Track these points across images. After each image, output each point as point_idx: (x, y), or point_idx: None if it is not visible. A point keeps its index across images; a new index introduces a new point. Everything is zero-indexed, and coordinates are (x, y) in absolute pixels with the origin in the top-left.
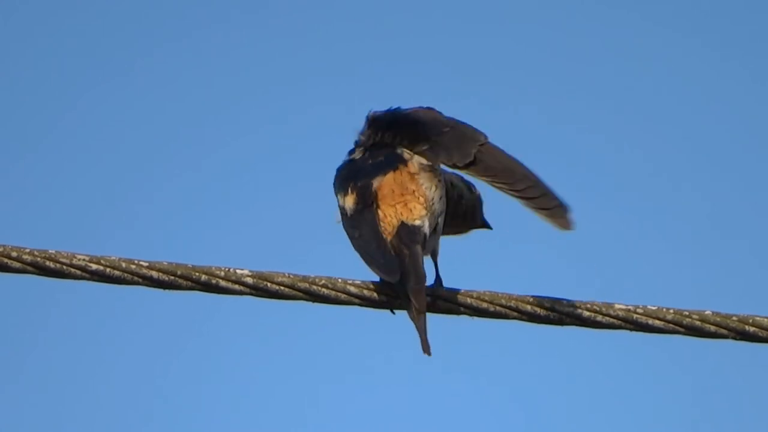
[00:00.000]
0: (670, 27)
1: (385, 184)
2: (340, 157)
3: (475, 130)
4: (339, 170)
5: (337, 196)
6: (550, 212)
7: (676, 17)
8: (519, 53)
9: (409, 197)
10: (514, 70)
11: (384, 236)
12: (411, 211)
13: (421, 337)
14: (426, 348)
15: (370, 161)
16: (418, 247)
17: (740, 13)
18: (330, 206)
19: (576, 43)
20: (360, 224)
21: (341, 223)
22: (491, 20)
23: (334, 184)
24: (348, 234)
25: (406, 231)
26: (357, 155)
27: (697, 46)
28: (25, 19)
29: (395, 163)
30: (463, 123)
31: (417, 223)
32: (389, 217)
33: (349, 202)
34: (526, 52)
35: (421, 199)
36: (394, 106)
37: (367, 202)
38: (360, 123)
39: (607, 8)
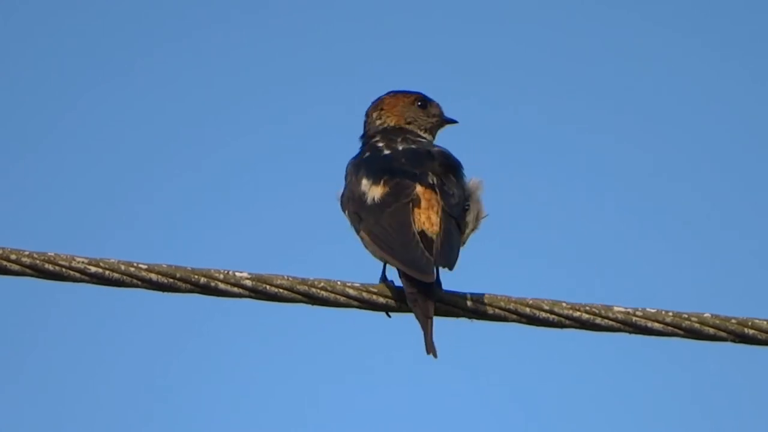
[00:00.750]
0: (670, 27)
1: (418, 192)
2: (340, 158)
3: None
4: (368, 158)
5: (358, 180)
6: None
7: (676, 17)
8: (519, 53)
9: (432, 213)
10: (514, 70)
11: (417, 237)
12: (433, 225)
13: (426, 339)
14: (431, 349)
15: (408, 166)
16: (431, 256)
17: (740, 13)
18: (332, 205)
19: (576, 43)
20: (380, 215)
21: (343, 203)
22: (491, 20)
23: (354, 169)
24: (358, 218)
25: (425, 239)
26: (388, 151)
27: (697, 46)
28: (25, 19)
29: (429, 181)
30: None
31: (434, 237)
32: (416, 223)
33: (377, 192)
34: (526, 52)
35: (442, 216)
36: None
37: (402, 198)
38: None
39: (607, 8)
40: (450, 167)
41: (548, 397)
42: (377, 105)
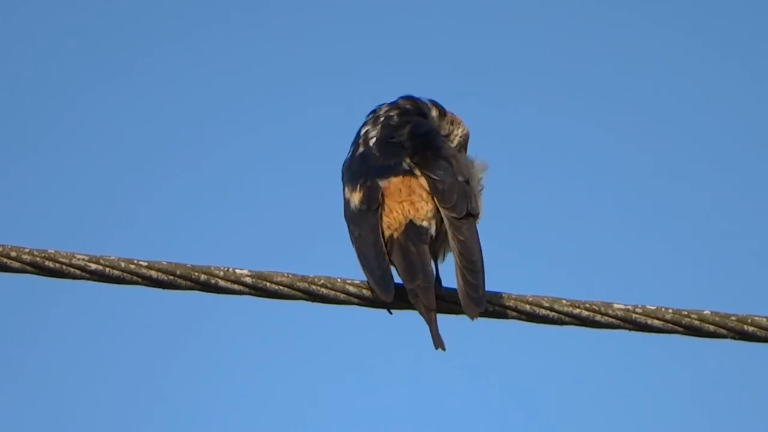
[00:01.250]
0: (670, 27)
1: (393, 184)
2: (340, 158)
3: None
4: (349, 161)
5: (344, 188)
6: (468, 299)
7: (676, 17)
8: (519, 53)
9: (416, 198)
10: (514, 70)
11: (384, 248)
12: (418, 210)
13: (432, 333)
14: (438, 343)
15: (382, 160)
16: (426, 247)
17: (740, 13)
18: (332, 204)
19: (576, 43)
20: (362, 224)
21: (344, 215)
22: (491, 20)
23: (342, 175)
24: (349, 229)
25: (414, 230)
26: (367, 146)
27: (697, 46)
28: (25, 19)
29: (405, 168)
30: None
31: (424, 224)
32: (396, 213)
33: (356, 199)
34: (526, 52)
35: (430, 204)
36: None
37: (372, 205)
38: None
39: (607, 8)
40: (421, 140)
41: (548, 394)
42: None
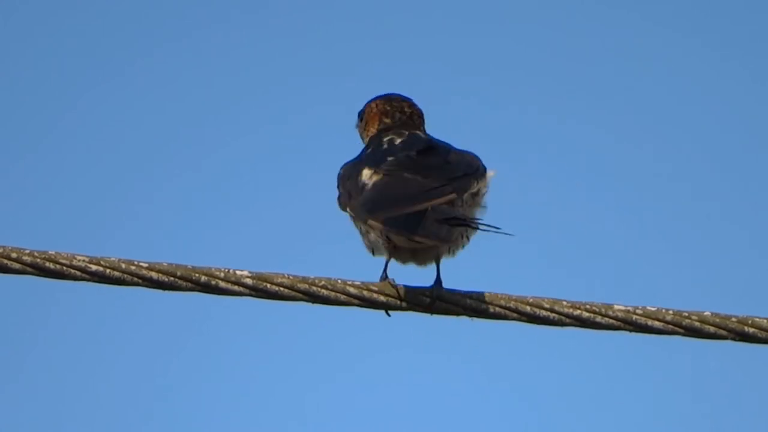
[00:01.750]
0: (670, 27)
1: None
2: (340, 158)
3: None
4: (370, 154)
5: (357, 171)
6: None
7: (676, 17)
8: (519, 53)
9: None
10: (514, 70)
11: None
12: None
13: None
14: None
15: (407, 151)
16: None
17: (740, 13)
18: (332, 204)
19: (576, 43)
20: (382, 188)
21: (342, 202)
22: (491, 20)
23: (354, 164)
24: (354, 205)
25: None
26: (392, 145)
27: (697, 46)
28: (25, 19)
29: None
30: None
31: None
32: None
33: (376, 176)
34: (526, 52)
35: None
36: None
37: (405, 168)
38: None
39: (607, 8)
40: (433, 147)
41: (548, 395)
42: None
